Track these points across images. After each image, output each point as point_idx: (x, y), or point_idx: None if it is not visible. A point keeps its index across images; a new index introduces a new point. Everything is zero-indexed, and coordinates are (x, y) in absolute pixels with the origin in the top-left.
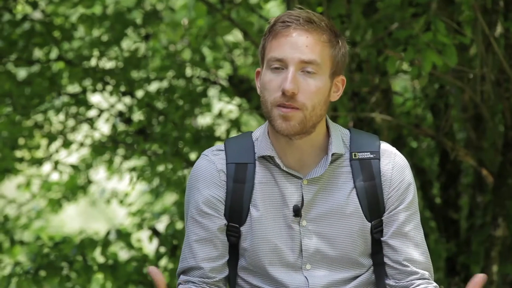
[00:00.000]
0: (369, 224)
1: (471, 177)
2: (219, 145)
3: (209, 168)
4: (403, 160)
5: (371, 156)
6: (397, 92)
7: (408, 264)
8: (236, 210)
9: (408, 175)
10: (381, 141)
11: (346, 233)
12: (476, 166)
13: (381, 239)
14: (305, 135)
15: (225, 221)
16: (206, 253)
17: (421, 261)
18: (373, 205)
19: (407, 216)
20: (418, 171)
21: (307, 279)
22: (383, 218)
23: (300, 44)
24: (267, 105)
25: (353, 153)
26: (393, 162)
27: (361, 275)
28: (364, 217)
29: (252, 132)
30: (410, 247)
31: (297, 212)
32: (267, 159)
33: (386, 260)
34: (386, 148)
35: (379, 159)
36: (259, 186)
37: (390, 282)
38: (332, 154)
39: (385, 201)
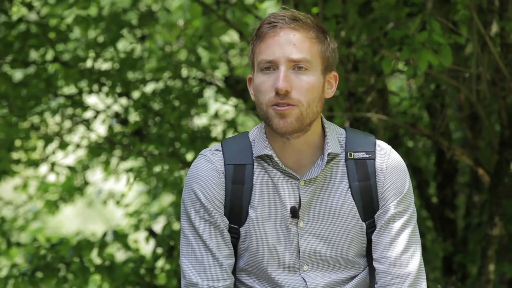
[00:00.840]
0: (364, 224)
1: (468, 176)
2: (216, 145)
3: (209, 169)
4: (397, 160)
5: (367, 156)
6: (393, 91)
7: (383, 261)
8: (235, 212)
9: (402, 175)
10: (377, 140)
11: (343, 234)
12: (472, 165)
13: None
14: (301, 133)
15: (227, 221)
16: (222, 249)
17: (397, 258)
18: (367, 205)
19: (394, 214)
20: (414, 170)
21: (304, 280)
22: (375, 216)
23: (288, 43)
24: (262, 107)
25: (348, 153)
26: (387, 162)
27: (357, 275)
28: (359, 217)
29: (248, 132)
30: (389, 244)
31: (294, 213)
32: (265, 159)
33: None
34: (381, 147)
35: (374, 159)
36: (258, 187)
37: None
38: (328, 154)
39: (379, 200)
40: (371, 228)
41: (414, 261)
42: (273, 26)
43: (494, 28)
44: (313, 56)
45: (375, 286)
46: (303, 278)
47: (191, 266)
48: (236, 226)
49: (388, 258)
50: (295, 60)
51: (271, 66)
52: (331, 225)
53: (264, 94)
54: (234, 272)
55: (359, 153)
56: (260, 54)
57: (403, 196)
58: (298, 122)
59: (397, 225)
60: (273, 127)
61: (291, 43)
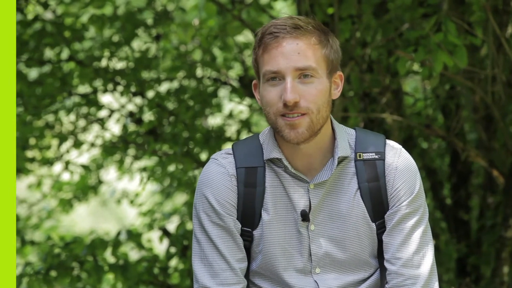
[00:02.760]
0: (374, 225)
1: (482, 178)
2: (227, 148)
3: (221, 173)
4: (408, 159)
5: (376, 156)
6: (408, 92)
7: (395, 262)
8: (248, 214)
9: (413, 175)
10: (387, 140)
11: (353, 235)
12: (487, 166)
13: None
14: (312, 138)
15: (239, 225)
16: (234, 253)
17: (409, 259)
18: (377, 206)
19: (405, 215)
20: (428, 171)
21: (317, 283)
22: (385, 217)
23: (292, 53)
24: (270, 116)
25: (358, 154)
26: (397, 162)
27: (370, 277)
28: (369, 218)
29: (259, 134)
30: (401, 244)
31: (305, 216)
32: (275, 162)
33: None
34: (392, 147)
35: (383, 159)
36: (270, 190)
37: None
38: (338, 157)
39: (389, 200)
40: (381, 229)
41: (427, 262)
42: (275, 37)
43: (510, 29)
44: (318, 62)
45: (386, 286)
46: (315, 281)
47: (203, 270)
48: (249, 229)
49: (400, 259)
50: (300, 69)
51: (277, 77)
52: (342, 227)
53: (272, 105)
54: (247, 274)
55: (368, 154)
56: (265, 65)
57: (414, 196)
58: (309, 131)
59: (408, 225)
60: (284, 137)
61: (295, 52)
